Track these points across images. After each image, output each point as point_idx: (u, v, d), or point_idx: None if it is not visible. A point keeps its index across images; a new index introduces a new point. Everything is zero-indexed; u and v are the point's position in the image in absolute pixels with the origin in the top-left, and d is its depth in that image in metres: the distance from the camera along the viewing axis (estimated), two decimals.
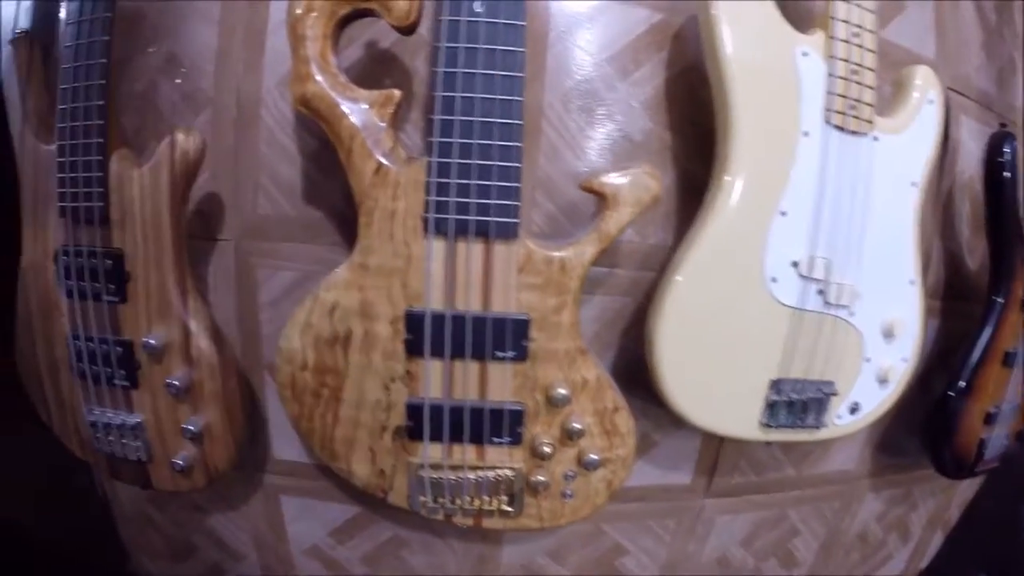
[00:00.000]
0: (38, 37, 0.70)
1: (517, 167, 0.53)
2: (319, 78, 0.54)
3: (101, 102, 0.61)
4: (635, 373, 0.65)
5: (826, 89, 0.63)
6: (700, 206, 0.63)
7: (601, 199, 0.56)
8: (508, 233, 0.54)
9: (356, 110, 0.54)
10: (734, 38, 0.60)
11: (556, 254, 0.56)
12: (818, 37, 0.64)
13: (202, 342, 0.62)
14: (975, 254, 0.86)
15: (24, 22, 0.73)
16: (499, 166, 0.53)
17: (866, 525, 0.91)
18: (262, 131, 0.65)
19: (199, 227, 0.68)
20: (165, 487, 0.68)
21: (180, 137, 0.59)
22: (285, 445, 0.73)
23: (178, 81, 0.67)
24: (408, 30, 0.56)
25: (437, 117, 0.53)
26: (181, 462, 0.65)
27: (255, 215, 0.67)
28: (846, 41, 0.64)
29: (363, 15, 0.55)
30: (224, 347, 0.63)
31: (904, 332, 0.70)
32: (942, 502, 0.96)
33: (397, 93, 0.55)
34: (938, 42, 0.80)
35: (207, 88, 0.67)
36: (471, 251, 0.54)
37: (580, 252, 0.56)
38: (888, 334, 0.69)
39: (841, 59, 0.63)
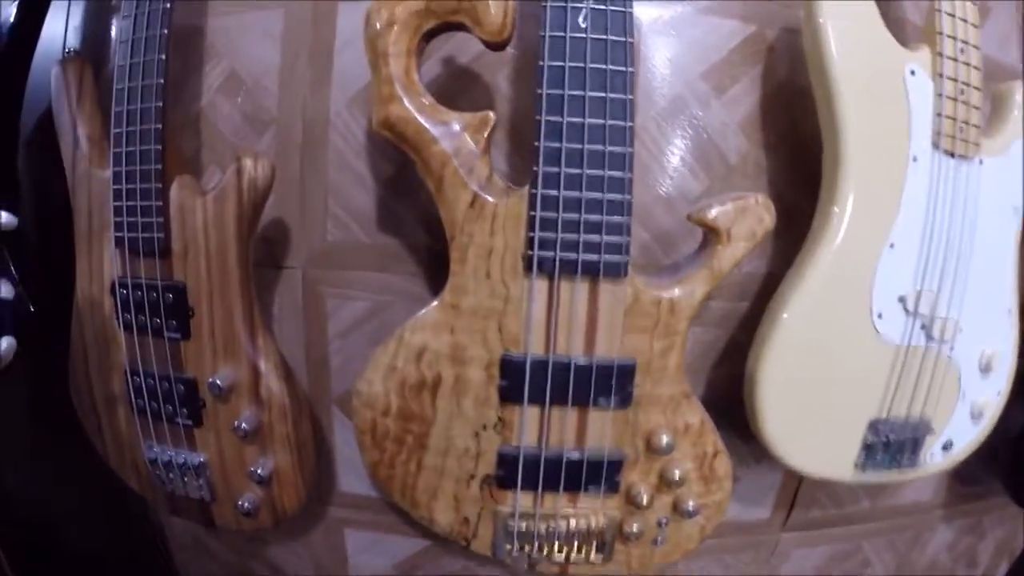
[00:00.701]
0: (89, 57, 0.66)
1: (628, 200, 0.49)
2: (405, 99, 0.49)
3: (159, 125, 0.57)
4: (724, 407, 0.61)
5: (934, 110, 0.59)
6: (795, 231, 0.59)
7: (711, 232, 0.52)
8: (617, 272, 0.50)
9: (447, 134, 0.50)
10: (842, 52, 0.56)
11: (665, 295, 0.51)
12: (924, 54, 0.60)
13: (272, 383, 0.58)
14: None
15: (73, 41, 0.68)
16: (609, 199, 0.48)
17: (936, 555, 0.88)
18: (331, 154, 0.61)
19: (264, 254, 0.64)
20: (229, 527, 0.64)
21: (248, 163, 0.55)
22: (351, 478, 0.69)
23: (239, 100, 0.63)
24: (500, 46, 0.51)
25: (542, 144, 0.49)
26: (247, 504, 0.61)
27: (324, 242, 0.63)
28: (953, 58, 0.60)
29: (450, 28, 0.51)
30: (295, 387, 0.59)
31: (1000, 364, 0.66)
32: (1011, 531, 0.93)
33: (492, 116, 0.51)
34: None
35: (271, 108, 0.63)
36: (576, 291, 0.50)
37: (690, 291, 0.52)
38: (985, 368, 0.66)
39: (949, 78, 0.59)
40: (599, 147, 0.48)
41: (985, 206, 0.63)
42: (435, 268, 0.62)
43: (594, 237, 0.49)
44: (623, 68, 0.48)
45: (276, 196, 0.63)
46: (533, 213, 0.49)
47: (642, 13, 0.60)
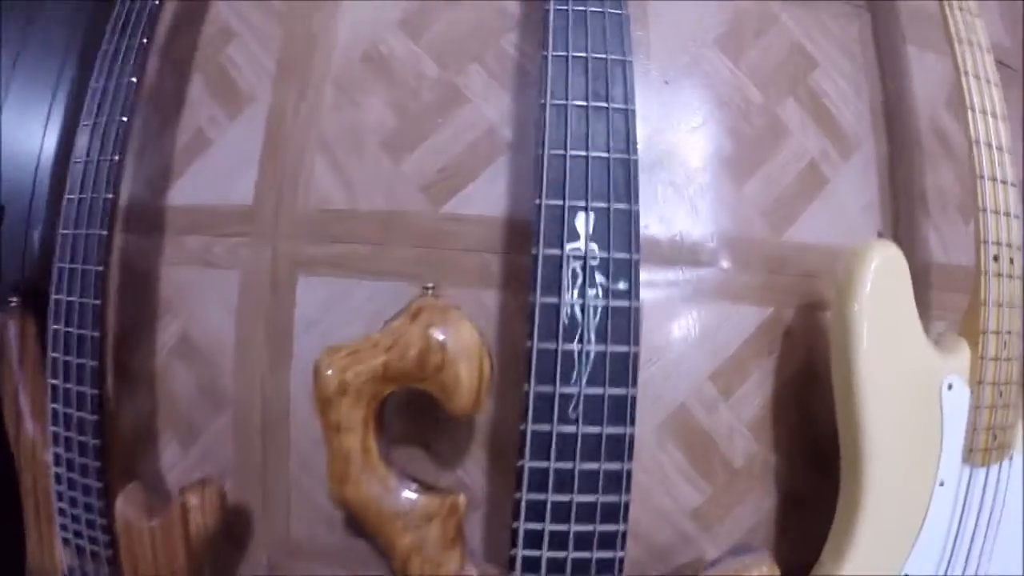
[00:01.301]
0: (32, 307, 0.59)
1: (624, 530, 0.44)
2: (362, 481, 0.44)
3: (96, 391, 0.51)
4: None
5: (970, 425, 0.53)
6: (807, 520, 0.54)
7: None
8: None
9: (412, 524, 0.44)
10: (874, 357, 0.49)
11: None
12: (964, 359, 0.53)
13: None
14: None
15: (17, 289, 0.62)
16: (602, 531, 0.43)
17: None
18: (293, 451, 0.55)
19: (224, 535, 0.58)
20: None
21: (193, 502, 0.50)
22: None
23: (195, 371, 0.57)
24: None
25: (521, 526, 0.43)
26: None
27: (288, 536, 0.58)
28: (996, 359, 0.54)
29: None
30: None
31: None
32: None
33: (463, 501, 0.45)
34: None
35: (226, 386, 0.56)
36: None
37: None
38: None
39: (990, 383, 0.53)
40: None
41: (1014, 493, 0.58)
42: None
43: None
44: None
45: (235, 481, 0.58)
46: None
47: (651, 305, 0.54)
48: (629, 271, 0.42)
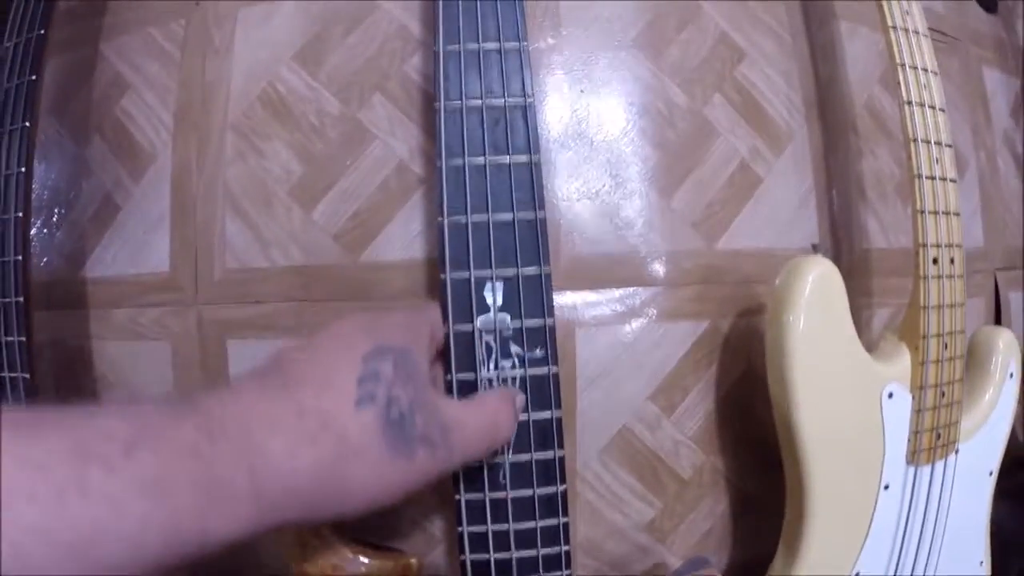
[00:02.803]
0: None
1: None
2: (317, 557, 0.44)
3: None
4: None
5: (912, 429, 0.53)
6: (757, 518, 0.55)
7: None
8: None
9: None
10: (810, 370, 0.49)
11: None
12: (904, 365, 0.53)
13: None
14: None
15: None
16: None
17: None
18: None
19: None
20: None
21: None
22: None
23: None
24: None
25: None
26: None
27: None
28: (937, 360, 0.53)
29: None
30: None
31: None
32: None
33: (415, 563, 0.45)
34: None
35: None
36: None
37: None
38: None
39: (932, 386, 0.53)
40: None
41: (960, 487, 0.59)
42: None
43: None
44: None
45: None
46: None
47: (585, 329, 0.53)
48: (544, 337, 0.41)
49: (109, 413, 0.28)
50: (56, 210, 0.61)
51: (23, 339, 0.54)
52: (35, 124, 0.55)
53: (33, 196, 0.56)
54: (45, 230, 0.62)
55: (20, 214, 0.53)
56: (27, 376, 0.54)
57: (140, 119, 0.57)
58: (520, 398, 0.41)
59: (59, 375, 0.60)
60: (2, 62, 0.57)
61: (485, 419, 0.38)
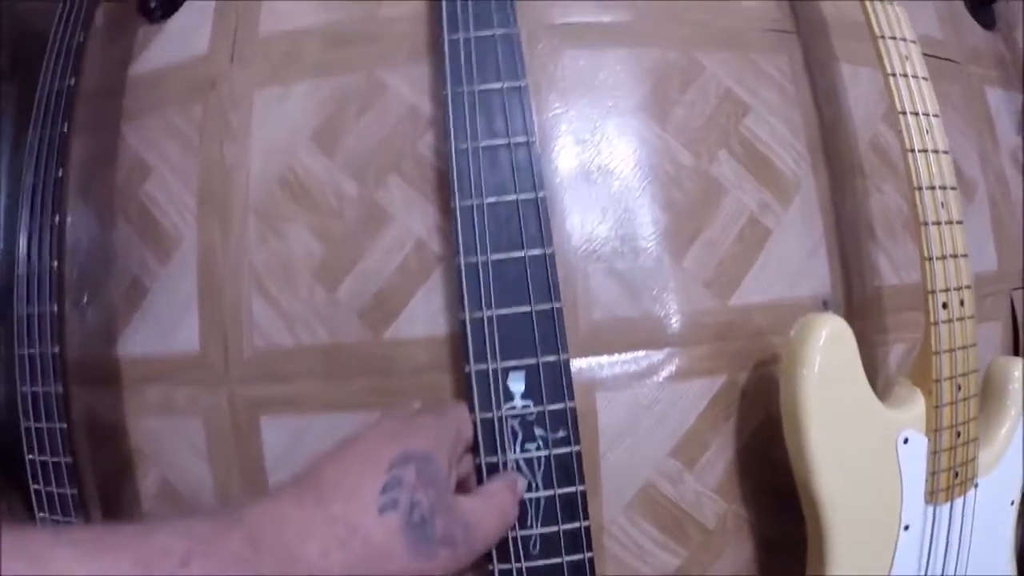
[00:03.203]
0: None
1: None
2: None
3: None
4: None
5: (929, 470, 0.54)
6: (784, 562, 0.57)
7: None
8: None
9: None
10: (824, 421, 0.50)
11: None
12: (919, 410, 0.54)
13: None
14: None
15: None
16: None
17: None
18: None
19: None
20: None
21: None
22: None
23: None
24: None
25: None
26: None
27: None
28: (952, 403, 0.54)
29: None
30: None
31: None
32: None
33: None
34: None
35: None
36: None
37: None
38: None
39: (947, 428, 0.54)
40: None
41: (982, 518, 0.60)
42: None
43: None
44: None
45: None
46: None
47: (604, 392, 0.54)
48: (566, 419, 0.43)
49: (164, 530, 0.32)
50: (86, 291, 0.63)
51: (64, 426, 0.57)
52: (64, 218, 0.57)
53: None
54: (76, 308, 0.64)
55: (55, 308, 0.56)
56: (69, 460, 0.57)
57: (163, 202, 0.59)
58: (521, 481, 0.44)
59: (95, 450, 0.63)
60: (29, 156, 0.59)
61: (496, 510, 0.42)
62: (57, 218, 0.56)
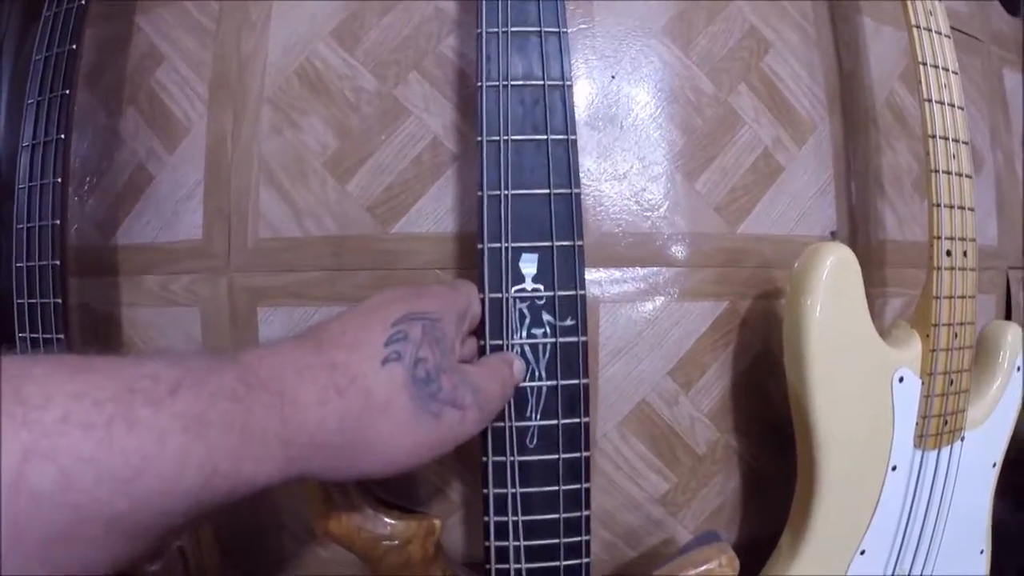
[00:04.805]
0: None
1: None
2: (342, 515, 0.45)
3: None
4: None
5: (920, 413, 0.55)
6: (770, 497, 0.57)
7: None
8: None
9: (393, 546, 0.46)
10: (824, 350, 0.51)
11: None
12: (915, 351, 0.54)
13: None
14: None
15: None
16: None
17: None
18: None
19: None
20: None
21: (188, 545, 0.51)
22: None
23: None
24: None
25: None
26: None
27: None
28: (947, 349, 0.55)
29: None
30: None
31: None
32: None
33: (438, 524, 0.47)
34: None
35: None
36: None
37: None
38: None
39: (941, 373, 0.55)
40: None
41: (964, 476, 0.60)
42: None
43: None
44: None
45: None
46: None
47: (608, 305, 0.54)
48: (576, 307, 0.43)
49: (155, 359, 0.29)
50: (88, 179, 0.62)
51: (59, 301, 0.56)
52: (74, 92, 0.56)
53: None
54: (76, 198, 0.63)
55: (59, 179, 0.55)
56: (61, 337, 0.56)
57: (175, 91, 0.58)
58: (519, 362, 0.42)
59: (87, 340, 0.61)
60: (42, 31, 0.58)
61: (497, 378, 0.40)
62: (67, 92, 0.56)
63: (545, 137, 0.42)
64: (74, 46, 0.56)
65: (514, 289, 0.42)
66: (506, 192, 0.41)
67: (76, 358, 0.28)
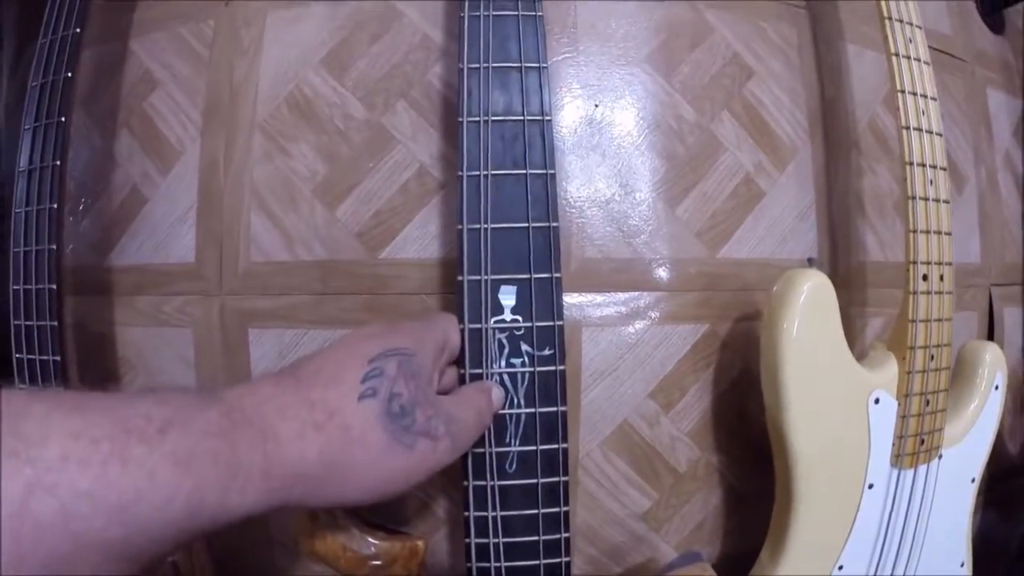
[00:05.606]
0: None
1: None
2: (327, 534, 0.46)
3: None
4: None
5: (897, 433, 0.56)
6: (749, 513, 0.58)
7: None
8: None
9: (377, 567, 0.47)
10: (801, 374, 0.52)
11: None
12: (891, 373, 0.56)
13: None
14: None
15: None
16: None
17: None
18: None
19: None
20: None
21: (181, 558, 0.52)
22: None
23: None
24: None
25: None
26: None
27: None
28: (923, 371, 0.56)
29: None
30: None
31: None
32: None
33: (421, 545, 0.48)
34: None
35: None
36: None
37: None
38: None
39: (917, 394, 0.56)
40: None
41: (942, 493, 0.62)
42: None
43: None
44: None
45: None
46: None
47: (591, 329, 0.55)
48: (553, 337, 0.44)
49: (146, 398, 0.32)
50: (83, 199, 0.64)
51: (55, 324, 0.57)
52: (70, 119, 0.57)
53: None
54: (71, 217, 0.64)
55: (55, 205, 0.56)
56: (57, 359, 0.57)
57: (168, 116, 0.60)
58: (497, 390, 0.44)
59: (82, 358, 0.63)
60: (38, 59, 0.60)
61: (472, 408, 0.42)
62: (62, 119, 0.57)
63: (524, 172, 0.43)
64: (69, 74, 0.57)
65: (493, 320, 0.43)
66: (486, 226, 0.43)
67: (73, 396, 0.30)
